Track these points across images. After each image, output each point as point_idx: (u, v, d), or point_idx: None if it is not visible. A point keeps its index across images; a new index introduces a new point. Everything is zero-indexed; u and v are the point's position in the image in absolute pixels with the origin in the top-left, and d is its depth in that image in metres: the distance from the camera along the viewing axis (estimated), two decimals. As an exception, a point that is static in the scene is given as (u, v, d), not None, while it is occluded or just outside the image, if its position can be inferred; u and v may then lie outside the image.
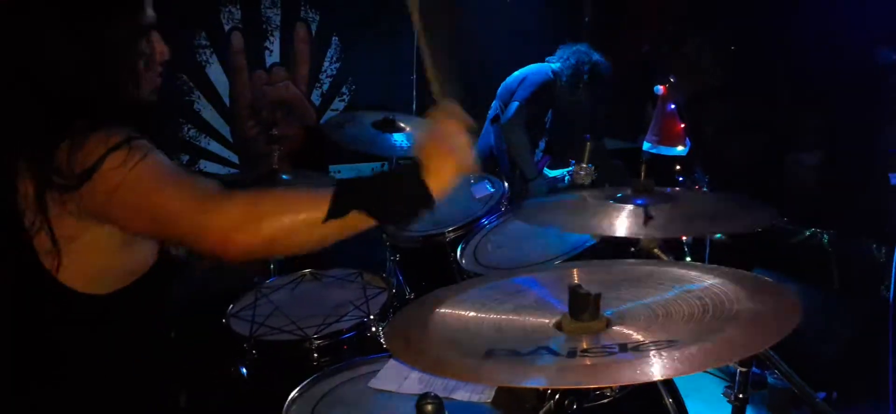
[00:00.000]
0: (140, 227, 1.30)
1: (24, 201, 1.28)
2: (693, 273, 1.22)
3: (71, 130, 1.25)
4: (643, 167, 1.78)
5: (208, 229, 1.23)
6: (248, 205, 1.24)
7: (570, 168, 3.50)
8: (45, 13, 1.28)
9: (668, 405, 1.82)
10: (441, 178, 1.28)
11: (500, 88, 4.02)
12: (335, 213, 1.24)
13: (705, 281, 1.17)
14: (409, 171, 1.29)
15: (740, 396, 1.63)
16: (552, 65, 3.94)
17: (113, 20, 1.31)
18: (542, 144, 4.11)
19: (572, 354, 1.03)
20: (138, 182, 1.24)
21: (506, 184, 2.79)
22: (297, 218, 1.24)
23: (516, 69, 4.04)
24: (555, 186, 3.60)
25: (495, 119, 3.98)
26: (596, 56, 3.88)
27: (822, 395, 3.11)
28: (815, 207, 3.73)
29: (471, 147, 1.32)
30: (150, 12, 1.38)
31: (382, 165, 3.95)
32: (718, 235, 3.23)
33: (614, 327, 1.09)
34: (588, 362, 1.01)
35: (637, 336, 1.05)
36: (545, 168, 4.01)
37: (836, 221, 3.58)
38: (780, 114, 4.15)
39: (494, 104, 4.04)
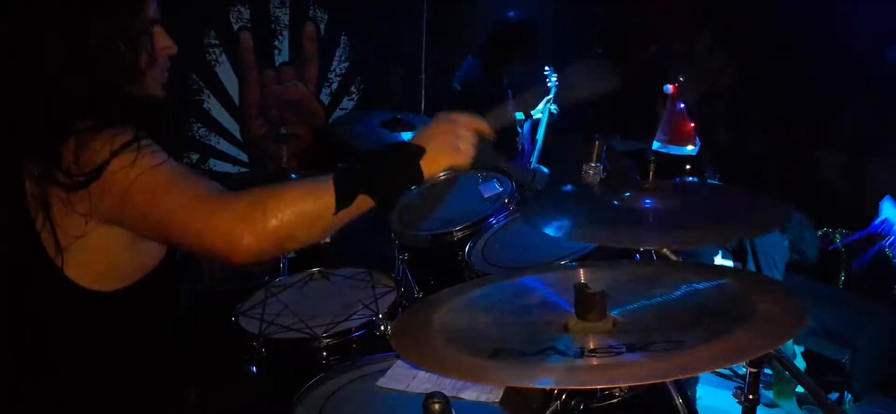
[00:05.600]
0: (147, 230, 1.30)
1: (31, 200, 1.29)
2: (700, 273, 1.21)
3: (75, 129, 1.26)
4: (651, 168, 1.76)
5: (214, 231, 1.23)
6: (252, 203, 1.25)
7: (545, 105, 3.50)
8: (42, 11, 1.29)
9: (678, 405, 1.81)
10: (434, 166, 1.33)
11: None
12: (343, 203, 1.26)
13: (712, 281, 1.16)
14: (408, 155, 1.33)
15: (751, 397, 1.62)
16: (480, 59, 3.93)
17: (112, 17, 1.31)
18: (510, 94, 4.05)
19: (579, 354, 1.03)
20: (146, 186, 1.24)
21: (513, 183, 2.79)
22: (300, 210, 1.25)
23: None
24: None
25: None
26: (512, 16, 3.92)
27: (833, 396, 3.10)
28: (835, 207, 3.72)
29: (474, 151, 1.35)
30: (152, 8, 1.38)
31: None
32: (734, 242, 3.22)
33: (621, 327, 1.09)
34: (595, 362, 1.01)
35: (644, 336, 1.05)
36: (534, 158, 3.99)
37: (850, 220, 3.56)
38: (798, 113, 4.12)
39: None
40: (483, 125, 1.42)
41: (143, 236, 1.32)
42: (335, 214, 1.27)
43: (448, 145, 1.35)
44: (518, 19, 3.94)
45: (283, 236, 1.25)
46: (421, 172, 1.32)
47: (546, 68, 3.98)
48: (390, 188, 1.34)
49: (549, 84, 3.99)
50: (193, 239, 1.27)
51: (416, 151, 1.33)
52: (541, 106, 3.91)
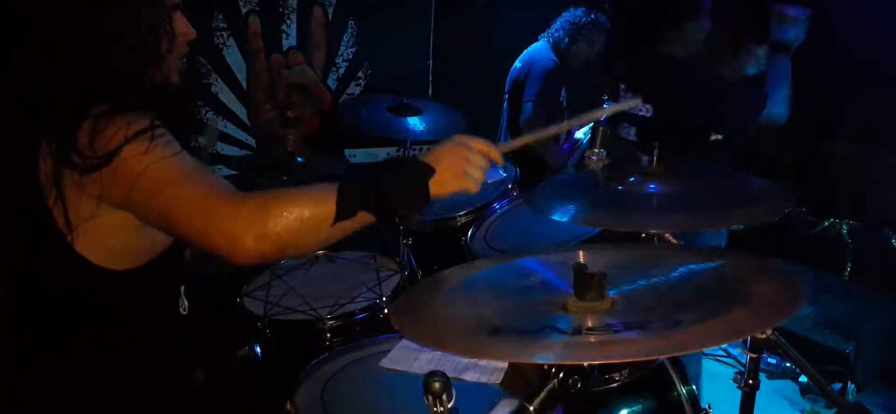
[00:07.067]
0: (153, 220, 1.31)
1: (44, 178, 1.29)
2: (699, 255, 1.22)
3: (92, 112, 1.26)
4: (655, 152, 1.76)
5: (217, 231, 1.24)
6: (257, 207, 1.25)
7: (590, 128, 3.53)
8: None
9: (679, 391, 1.82)
10: (442, 188, 1.32)
11: (507, 85, 3.97)
12: (343, 215, 1.26)
13: (711, 263, 1.17)
14: (417, 172, 1.31)
15: (750, 382, 1.63)
16: (550, 42, 3.88)
17: (131, 2, 1.30)
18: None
19: (577, 332, 1.03)
20: (155, 177, 1.25)
21: (517, 169, 2.79)
22: (303, 217, 1.25)
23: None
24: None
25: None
26: (592, 15, 3.87)
27: (836, 386, 3.09)
28: (840, 197, 3.69)
29: (483, 179, 1.34)
30: None
31: (397, 150, 3.97)
32: (736, 226, 3.21)
33: (620, 307, 1.10)
34: (592, 340, 1.01)
35: (642, 316, 1.05)
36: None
37: (859, 211, 3.54)
38: (805, 103, 4.09)
39: (506, 107, 4.00)
40: (495, 152, 1.40)
41: (149, 225, 1.33)
42: (332, 224, 1.27)
43: (458, 170, 1.33)
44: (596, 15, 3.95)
45: (284, 243, 1.25)
46: (428, 193, 1.31)
47: (604, 97, 3.92)
48: (394, 208, 1.31)
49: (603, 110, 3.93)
50: (197, 235, 1.28)
51: (426, 171, 1.31)
52: (586, 128, 3.90)
